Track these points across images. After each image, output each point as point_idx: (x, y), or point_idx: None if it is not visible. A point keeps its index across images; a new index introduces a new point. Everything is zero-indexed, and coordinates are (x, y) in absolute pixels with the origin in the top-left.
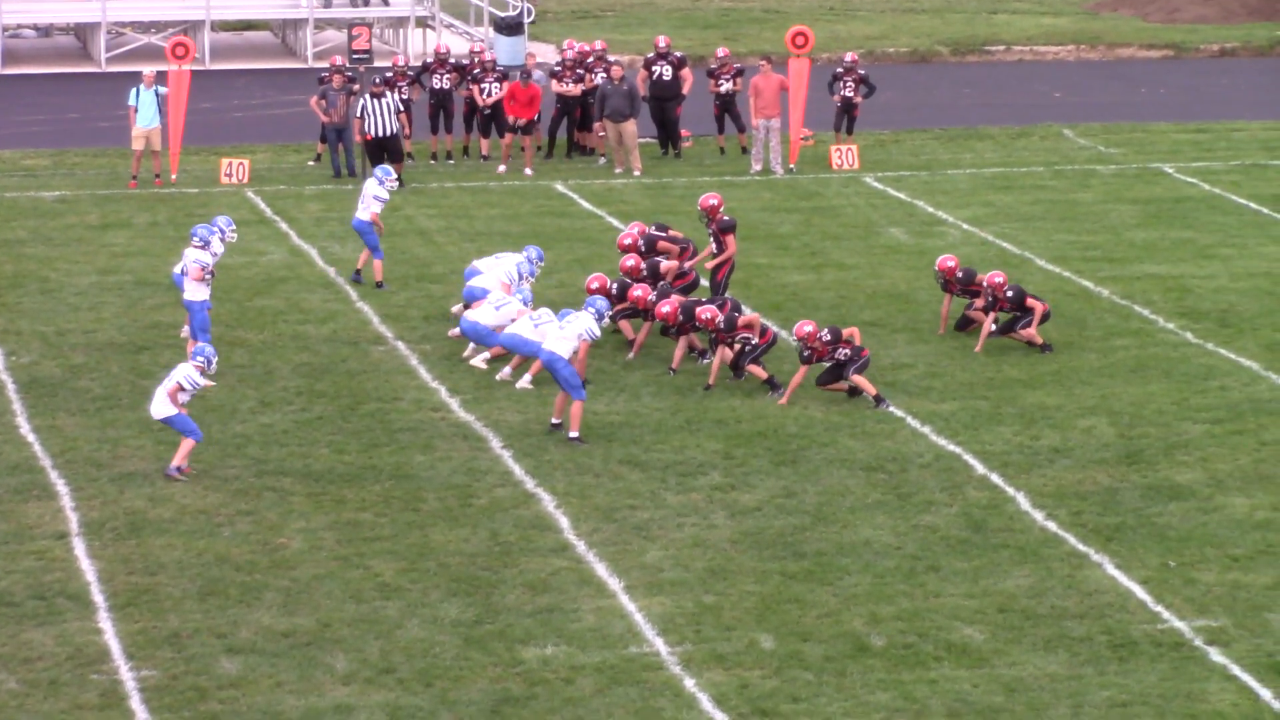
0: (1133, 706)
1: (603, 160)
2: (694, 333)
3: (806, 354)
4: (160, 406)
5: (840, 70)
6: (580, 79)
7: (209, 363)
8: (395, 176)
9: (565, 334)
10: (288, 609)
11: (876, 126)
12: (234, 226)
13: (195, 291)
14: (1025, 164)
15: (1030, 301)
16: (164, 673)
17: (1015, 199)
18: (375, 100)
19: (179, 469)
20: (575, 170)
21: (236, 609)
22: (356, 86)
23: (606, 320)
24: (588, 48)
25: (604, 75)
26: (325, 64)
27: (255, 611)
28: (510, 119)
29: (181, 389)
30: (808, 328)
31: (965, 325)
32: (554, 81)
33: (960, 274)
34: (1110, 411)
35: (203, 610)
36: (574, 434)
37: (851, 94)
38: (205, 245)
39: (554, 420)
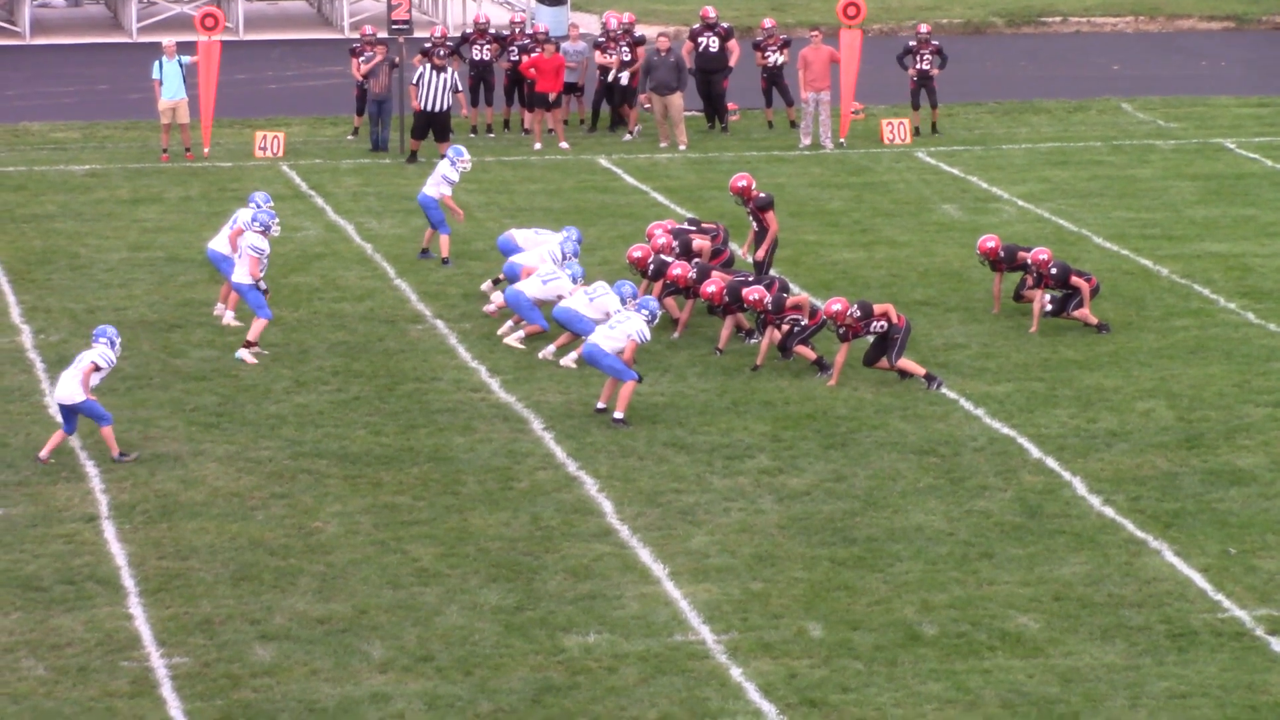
0: (1192, 698)
1: (628, 137)
2: (741, 313)
3: (841, 332)
4: (71, 390)
5: (914, 43)
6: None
7: (113, 342)
8: (467, 158)
9: (614, 333)
10: (323, 595)
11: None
12: (270, 201)
13: (245, 275)
14: (1082, 139)
15: (1075, 280)
16: (196, 660)
17: (1072, 175)
18: (436, 73)
19: (123, 455)
20: (619, 145)
21: (270, 594)
22: (398, 60)
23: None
24: (627, 18)
25: (628, 48)
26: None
27: (290, 597)
28: (536, 93)
29: (97, 368)
30: (836, 306)
31: (1019, 298)
32: (598, 53)
33: (1002, 253)
34: (1169, 394)
35: (235, 596)
36: (619, 415)
37: (928, 67)
38: (266, 230)
39: (600, 404)
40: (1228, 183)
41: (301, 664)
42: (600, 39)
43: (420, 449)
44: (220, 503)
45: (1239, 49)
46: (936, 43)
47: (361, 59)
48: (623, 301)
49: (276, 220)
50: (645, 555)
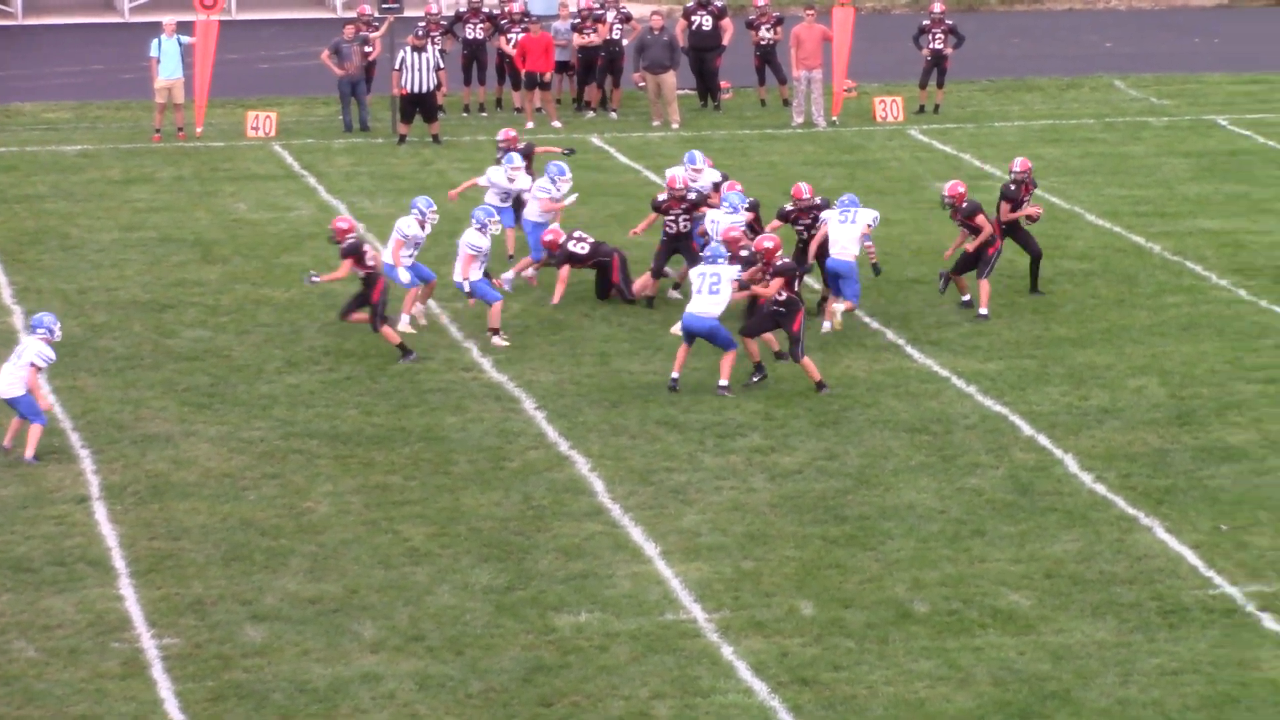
0: (1183, 675)
1: (590, 114)
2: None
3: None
4: (10, 386)
5: (928, 22)
6: (597, 23)
7: (51, 331)
8: (568, 176)
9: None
10: (314, 575)
11: (917, 78)
12: (434, 208)
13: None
14: (1075, 116)
15: (980, 220)
16: (187, 641)
17: (1064, 152)
18: (416, 54)
19: (36, 458)
20: (611, 124)
21: (261, 575)
22: (373, 36)
23: None
24: None
25: (620, 24)
26: (354, 13)
27: (281, 578)
28: (527, 73)
29: (38, 368)
30: (768, 243)
31: (964, 268)
32: (576, 35)
33: (966, 204)
34: (1161, 371)
35: (227, 576)
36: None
37: (941, 46)
38: (483, 229)
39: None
40: (1220, 160)
41: (293, 644)
42: (576, 20)
43: (412, 429)
44: (212, 483)
45: (1231, 26)
46: (951, 22)
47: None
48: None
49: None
50: (637, 534)
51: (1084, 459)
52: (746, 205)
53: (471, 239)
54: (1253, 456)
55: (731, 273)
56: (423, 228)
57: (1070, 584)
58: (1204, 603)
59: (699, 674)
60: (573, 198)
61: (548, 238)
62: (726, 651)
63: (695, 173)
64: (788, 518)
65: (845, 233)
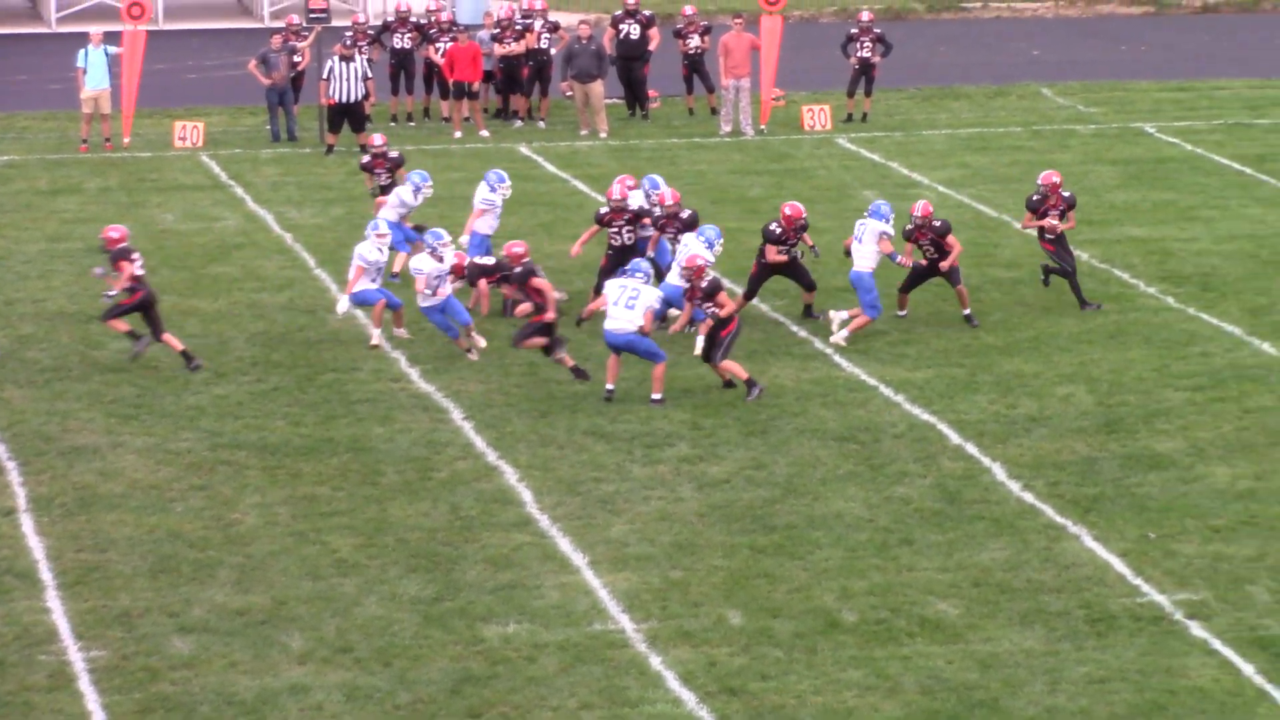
0: (1111, 683)
1: (518, 124)
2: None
3: (687, 286)
4: None
5: (855, 31)
6: (520, 36)
7: None
8: (508, 183)
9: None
10: (242, 586)
11: (845, 86)
12: (430, 182)
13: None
14: (1003, 124)
15: (951, 240)
16: (114, 653)
17: (992, 160)
18: (344, 63)
19: None
20: (539, 133)
21: (189, 587)
22: (300, 45)
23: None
24: (525, 4)
25: (547, 33)
26: (281, 23)
27: (208, 589)
28: (455, 83)
29: None
30: (699, 260)
31: (912, 284)
32: (497, 45)
33: (938, 222)
34: (1089, 379)
35: (154, 588)
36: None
37: (869, 54)
38: (434, 252)
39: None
40: (1147, 167)
41: (220, 656)
42: (495, 30)
43: (339, 439)
44: (139, 495)
45: (1159, 33)
46: (879, 31)
47: (264, 60)
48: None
49: (412, 187)
50: (565, 544)
51: (1012, 467)
52: (721, 242)
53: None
54: (1180, 464)
55: (651, 296)
56: (381, 252)
57: (998, 592)
58: (1132, 611)
59: (627, 684)
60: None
61: (517, 249)
62: (655, 661)
63: (658, 196)
64: (716, 527)
65: (861, 245)
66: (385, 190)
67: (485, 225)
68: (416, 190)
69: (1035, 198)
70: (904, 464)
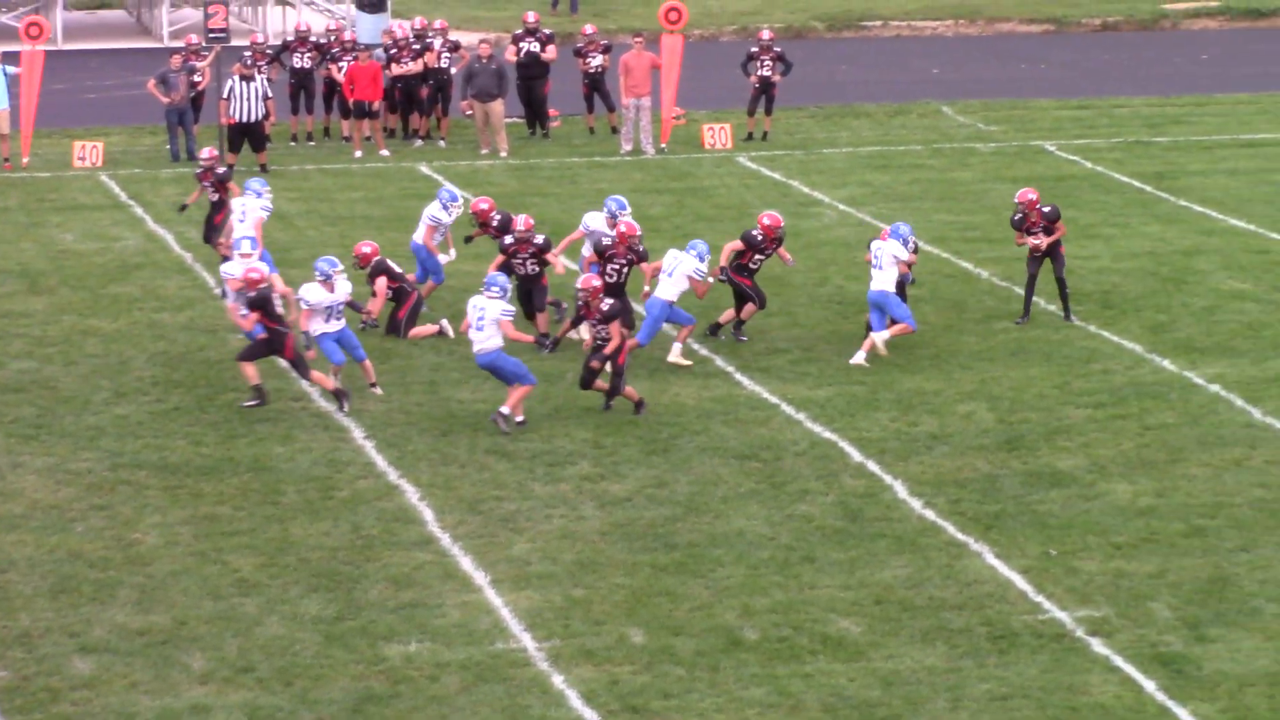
0: (1013, 700)
1: (419, 143)
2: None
3: (580, 306)
4: None
5: (756, 49)
6: (418, 56)
7: None
8: (459, 201)
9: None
10: (143, 606)
11: (746, 105)
12: (458, 200)
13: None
14: (903, 142)
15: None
16: (14, 673)
17: (893, 178)
18: (244, 83)
19: None
20: (440, 152)
21: (90, 607)
22: (200, 65)
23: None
24: (419, 24)
25: (448, 53)
26: (181, 43)
27: (109, 609)
28: (354, 102)
29: None
30: (595, 281)
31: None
32: (394, 65)
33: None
34: (990, 396)
35: (55, 608)
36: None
37: (770, 73)
38: (327, 280)
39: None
40: (1048, 185)
41: (121, 676)
42: (391, 49)
43: (240, 459)
44: (39, 515)
45: (1058, 52)
46: (779, 49)
47: (163, 80)
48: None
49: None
50: (466, 563)
51: (913, 485)
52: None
53: (308, 293)
54: (1081, 481)
55: (497, 309)
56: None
57: (900, 610)
58: (1033, 628)
59: (529, 703)
60: (451, 253)
61: (365, 249)
62: (557, 680)
63: (623, 220)
64: (618, 545)
65: (883, 271)
66: (217, 206)
67: (433, 241)
68: (446, 207)
69: (1017, 217)
70: (806, 482)
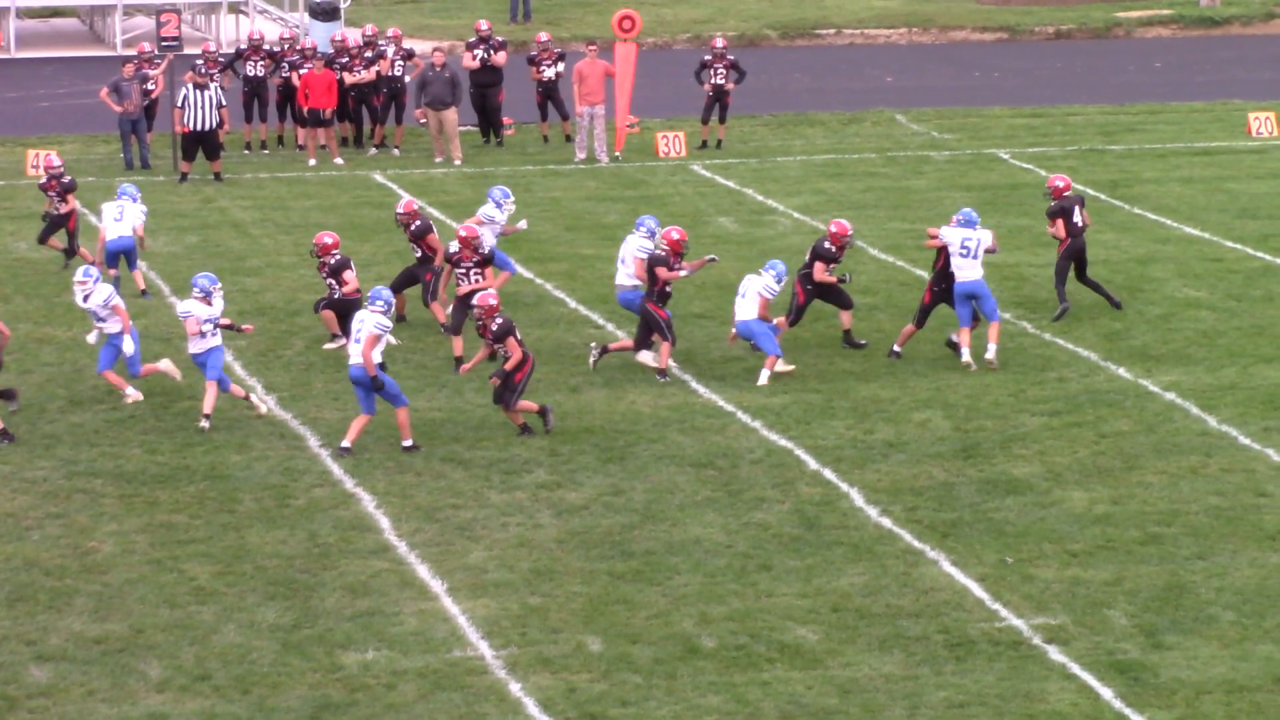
0: (970, 707)
1: (373, 151)
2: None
3: (478, 324)
4: None
5: (709, 58)
6: (371, 64)
7: None
8: (512, 197)
9: None
10: (99, 615)
11: (699, 113)
12: (510, 197)
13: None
14: (857, 150)
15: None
16: None
17: (847, 186)
18: (198, 91)
19: None
20: (393, 160)
21: (46, 615)
22: (153, 73)
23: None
24: (370, 32)
25: (401, 61)
26: (134, 51)
27: (65, 618)
28: (309, 110)
29: None
30: (491, 300)
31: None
32: (346, 74)
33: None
34: (945, 404)
35: (11, 617)
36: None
37: (723, 81)
38: (207, 297)
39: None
40: (1002, 193)
41: (78, 684)
42: (343, 59)
43: (196, 467)
44: None
45: (1012, 60)
46: (732, 57)
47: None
48: None
49: (493, 204)
50: (423, 571)
51: (870, 493)
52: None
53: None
54: (1037, 489)
55: (372, 322)
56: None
57: (857, 617)
58: (990, 635)
59: (486, 711)
60: (522, 223)
61: (327, 240)
62: (514, 688)
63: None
64: (574, 553)
65: (977, 260)
66: (59, 217)
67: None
68: (499, 205)
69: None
70: (762, 490)
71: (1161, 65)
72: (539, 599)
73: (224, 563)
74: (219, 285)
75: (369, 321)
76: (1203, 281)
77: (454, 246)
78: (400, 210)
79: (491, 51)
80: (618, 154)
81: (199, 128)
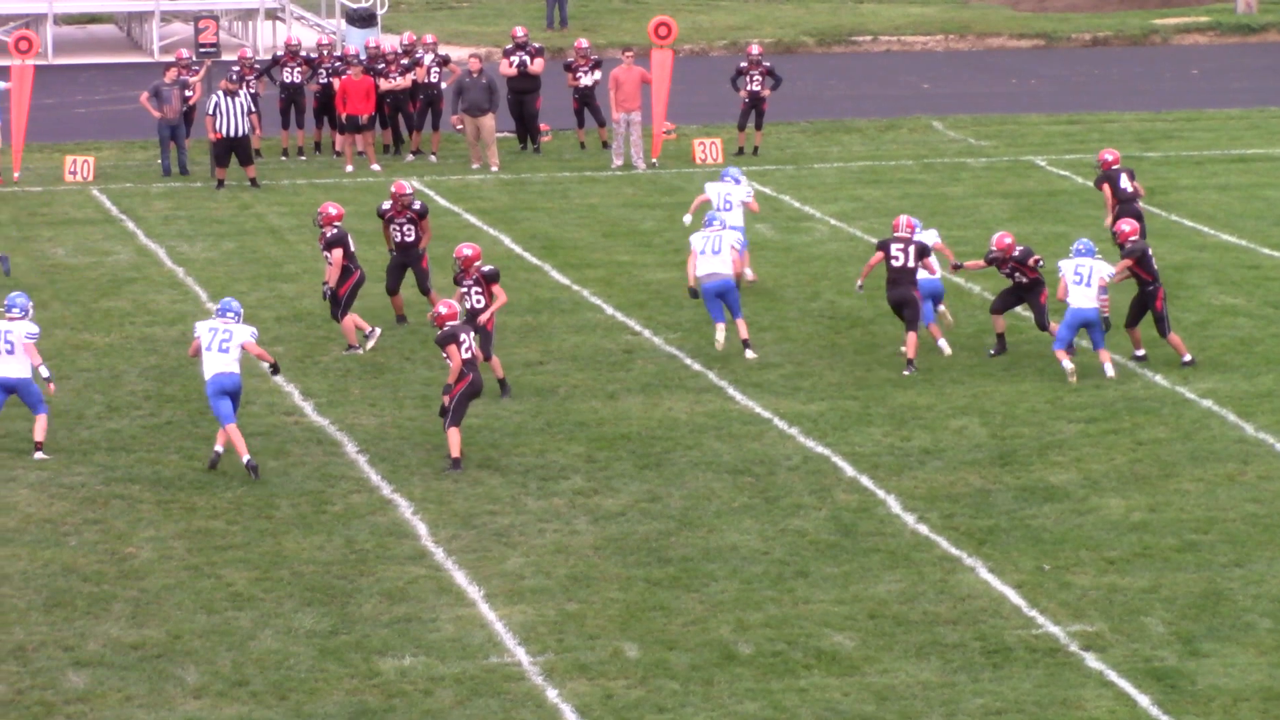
0: (1007, 714)
1: (410, 158)
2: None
3: (439, 335)
4: None
5: (745, 64)
6: (407, 71)
7: None
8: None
9: None
10: (137, 620)
11: (736, 120)
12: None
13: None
14: (894, 157)
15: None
16: (9, 687)
17: (884, 193)
18: (229, 98)
19: None
20: (430, 167)
21: (84, 621)
22: (193, 80)
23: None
24: (408, 39)
25: (438, 67)
26: (171, 58)
27: (103, 623)
28: (345, 116)
29: None
30: (442, 309)
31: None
32: (382, 81)
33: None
34: (982, 411)
35: (49, 622)
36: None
37: (759, 88)
38: (25, 315)
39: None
40: (1038, 200)
41: (116, 690)
42: (380, 65)
43: (233, 473)
44: (32, 529)
45: (1049, 67)
46: (768, 64)
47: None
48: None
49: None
50: (460, 577)
51: (906, 500)
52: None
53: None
54: (1074, 496)
55: (245, 334)
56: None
57: (894, 625)
58: (1027, 642)
59: (524, 717)
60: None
61: (331, 211)
62: (551, 694)
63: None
64: (611, 560)
65: (1090, 288)
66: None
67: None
68: (737, 180)
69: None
70: (799, 496)
71: (1199, 72)
72: (576, 605)
73: (261, 568)
74: (30, 306)
75: (239, 334)
76: (1239, 289)
77: (385, 205)
78: (406, 191)
79: (528, 58)
80: (654, 160)
81: (230, 134)
